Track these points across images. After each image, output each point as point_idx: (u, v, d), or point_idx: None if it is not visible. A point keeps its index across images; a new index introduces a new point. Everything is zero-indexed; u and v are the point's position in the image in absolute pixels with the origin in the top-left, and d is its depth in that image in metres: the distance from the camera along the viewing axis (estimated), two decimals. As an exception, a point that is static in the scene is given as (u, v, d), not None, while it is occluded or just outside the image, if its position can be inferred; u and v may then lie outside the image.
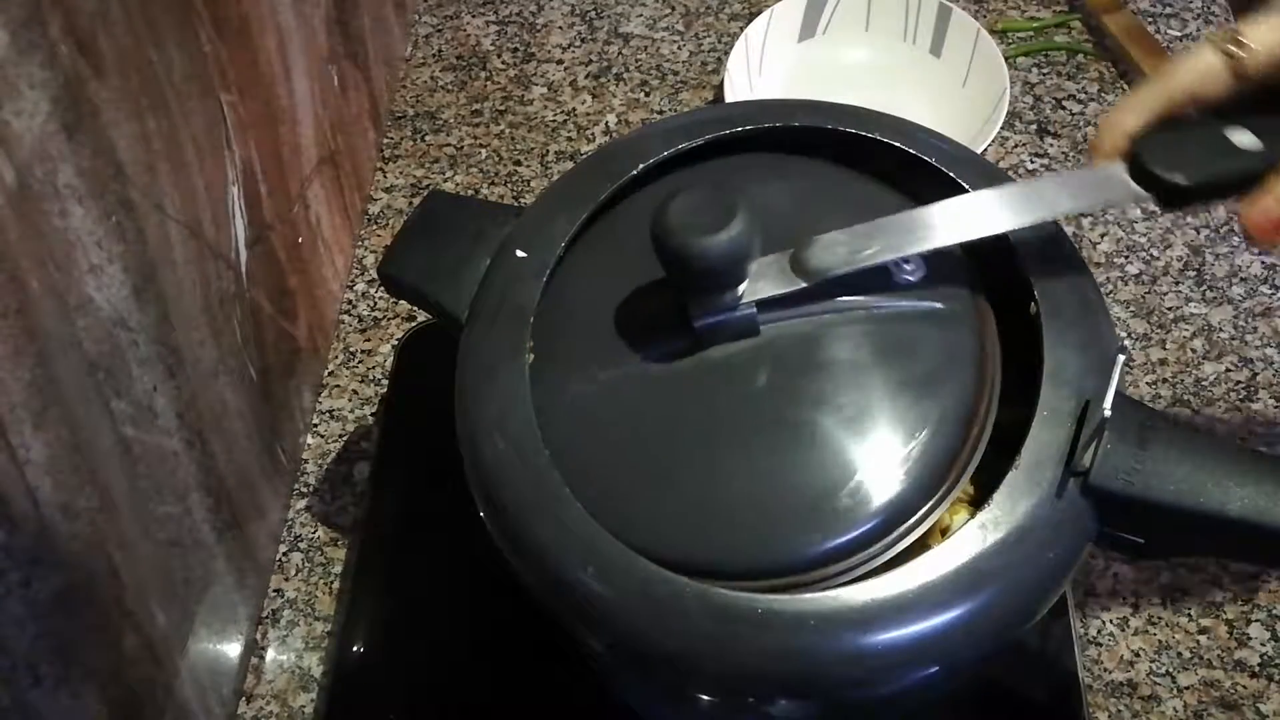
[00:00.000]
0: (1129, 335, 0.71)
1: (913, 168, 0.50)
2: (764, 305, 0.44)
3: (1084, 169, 0.45)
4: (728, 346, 0.45)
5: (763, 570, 0.41)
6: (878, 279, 0.45)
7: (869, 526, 0.42)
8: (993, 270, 0.47)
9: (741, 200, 0.42)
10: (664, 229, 0.42)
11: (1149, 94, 0.46)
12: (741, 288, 0.44)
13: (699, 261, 0.41)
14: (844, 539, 0.41)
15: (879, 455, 0.43)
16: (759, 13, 0.82)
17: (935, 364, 0.44)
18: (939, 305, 0.46)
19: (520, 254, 0.49)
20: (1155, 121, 0.45)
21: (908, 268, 0.46)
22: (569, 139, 0.83)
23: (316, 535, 0.67)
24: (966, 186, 0.48)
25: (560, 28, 0.89)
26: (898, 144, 0.50)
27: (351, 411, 0.71)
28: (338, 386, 0.72)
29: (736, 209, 0.41)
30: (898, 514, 0.42)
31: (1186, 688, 0.59)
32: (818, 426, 0.43)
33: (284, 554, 0.66)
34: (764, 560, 0.42)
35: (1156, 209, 0.52)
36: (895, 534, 0.42)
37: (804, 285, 0.44)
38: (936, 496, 0.42)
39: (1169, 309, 0.72)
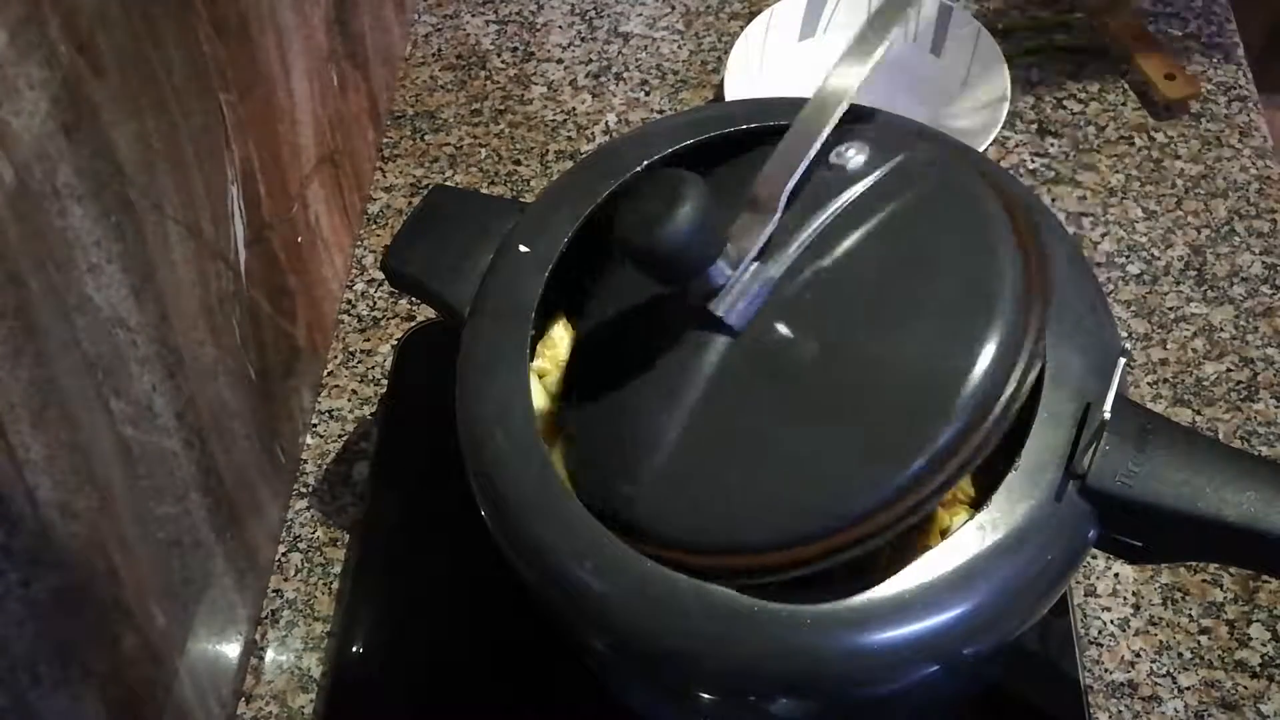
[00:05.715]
0: (1130, 335, 0.71)
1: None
2: (763, 262, 0.43)
3: None
4: (731, 339, 0.44)
5: (765, 571, 0.41)
6: (839, 178, 0.46)
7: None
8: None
9: (685, 176, 0.40)
10: (623, 232, 0.40)
11: None
12: (722, 263, 0.43)
13: (663, 249, 0.40)
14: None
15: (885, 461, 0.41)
16: (759, 13, 0.82)
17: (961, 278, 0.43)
18: (901, 156, 0.47)
19: (523, 249, 0.49)
20: None
21: (850, 154, 0.46)
22: (569, 138, 0.82)
23: (316, 535, 0.67)
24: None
25: (560, 27, 0.89)
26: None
27: (351, 411, 0.71)
28: (337, 386, 0.72)
29: (682, 188, 0.40)
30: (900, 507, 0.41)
31: (1187, 688, 0.59)
32: (826, 428, 0.42)
33: (284, 554, 0.66)
34: (767, 560, 0.42)
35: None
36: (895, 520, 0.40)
37: (775, 216, 0.44)
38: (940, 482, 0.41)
39: (1170, 309, 0.72)
